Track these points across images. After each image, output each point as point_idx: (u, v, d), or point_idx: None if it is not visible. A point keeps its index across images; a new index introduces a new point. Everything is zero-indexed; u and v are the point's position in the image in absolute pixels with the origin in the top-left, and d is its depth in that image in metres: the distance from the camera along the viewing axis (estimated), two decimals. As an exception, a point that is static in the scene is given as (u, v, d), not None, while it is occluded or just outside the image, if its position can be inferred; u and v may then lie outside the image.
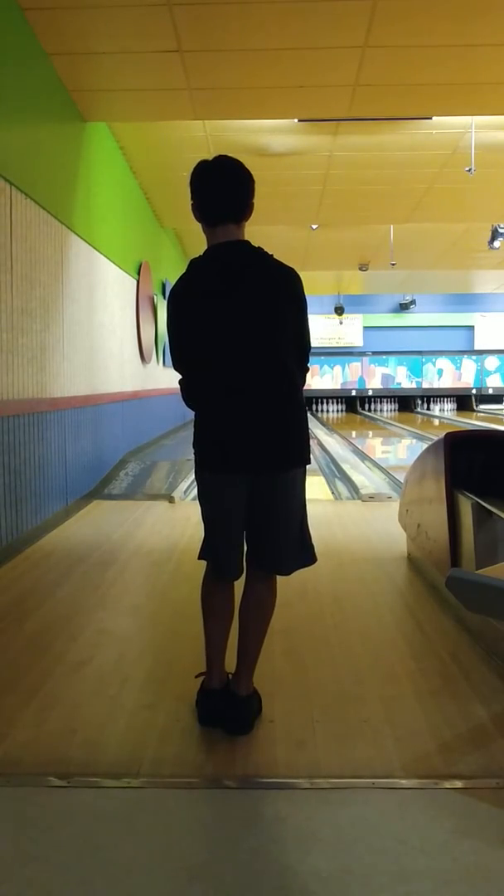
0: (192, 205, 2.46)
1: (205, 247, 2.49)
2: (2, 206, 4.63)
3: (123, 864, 1.86)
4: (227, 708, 2.49)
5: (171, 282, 12.70)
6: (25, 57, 5.16)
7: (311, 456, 2.60)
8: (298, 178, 9.25)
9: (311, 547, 2.58)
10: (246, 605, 2.55)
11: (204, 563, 2.61)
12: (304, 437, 2.48)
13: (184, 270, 2.49)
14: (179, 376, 2.55)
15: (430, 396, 23.99)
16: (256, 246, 2.44)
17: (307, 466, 2.53)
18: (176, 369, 2.55)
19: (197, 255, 2.51)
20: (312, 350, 2.59)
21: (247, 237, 2.47)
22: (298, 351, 2.48)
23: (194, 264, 2.47)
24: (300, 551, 2.55)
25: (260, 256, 2.42)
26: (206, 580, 2.60)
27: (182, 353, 2.50)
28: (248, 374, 2.37)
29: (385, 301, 23.18)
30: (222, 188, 2.43)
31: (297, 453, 2.45)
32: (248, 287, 2.38)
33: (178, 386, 2.56)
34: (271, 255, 2.44)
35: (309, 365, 2.58)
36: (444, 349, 23.74)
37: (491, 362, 23.78)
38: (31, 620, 3.65)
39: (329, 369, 23.47)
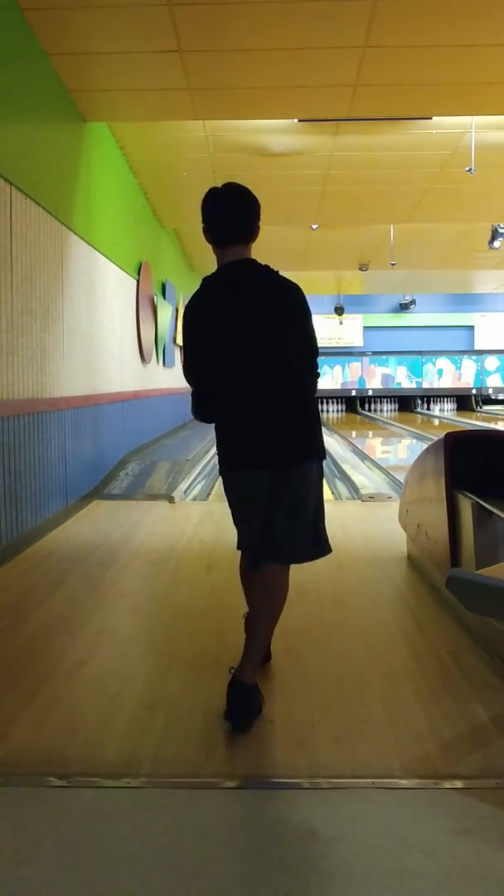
0: (204, 228, 2.67)
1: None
2: (2, 206, 4.63)
3: (123, 864, 1.86)
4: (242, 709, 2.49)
5: (171, 282, 12.76)
6: (25, 57, 5.16)
7: None
8: (298, 178, 9.25)
9: (326, 539, 2.70)
10: (261, 591, 2.65)
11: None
12: (317, 433, 2.66)
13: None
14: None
15: (430, 396, 23.99)
16: (263, 263, 2.64)
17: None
18: (187, 380, 2.69)
19: (208, 273, 2.65)
20: None
21: None
22: (307, 356, 2.66)
23: (207, 282, 2.66)
24: (314, 543, 2.66)
25: (266, 273, 2.63)
26: (242, 567, 2.83)
27: (197, 363, 2.65)
28: (262, 379, 2.56)
29: (385, 301, 23.18)
30: (232, 214, 2.65)
31: (309, 448, 2.62)
32: (258, 301, 2.59)
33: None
34: (277, 272, 2.64)
35: (319, 370, 2.75)
36: (444, 349, 23.74)
37: (491, 362, 23.78)
38: (31, 620, 3.65)
39: (329, 369, 23.45)
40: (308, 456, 2.61)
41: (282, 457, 2.57)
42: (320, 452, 2.66)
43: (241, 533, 2.72)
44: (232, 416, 2.61)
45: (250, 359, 2.56)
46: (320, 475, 2.67)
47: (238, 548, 2.79)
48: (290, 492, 2.58)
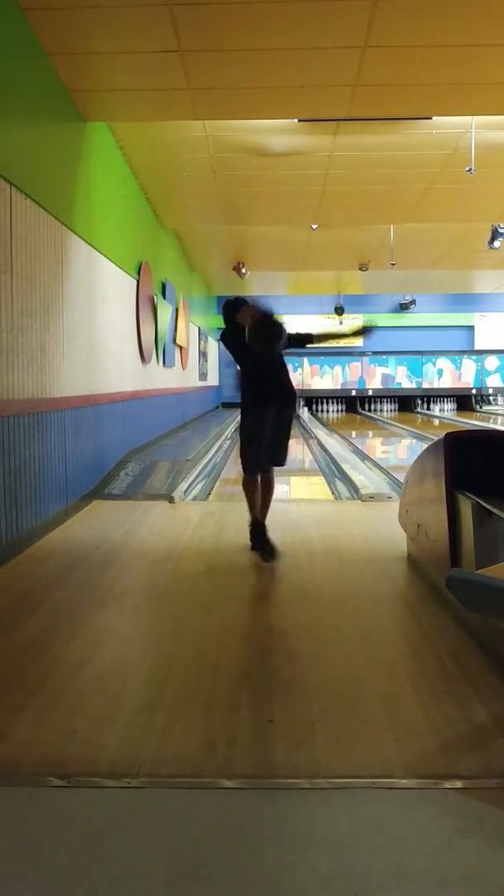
0: (224, 320, 5.01)
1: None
2: (2, 207, 4.63)
3: (123, 863, 1.86)
4: (261, 538, 4.74)
5: (171, 282, 12.84)
6: (25, 57, 5.16)
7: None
8: (298, 178, 9.25)
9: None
10: (265, 486, 4.89)
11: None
12: (294, 390, 5.03)
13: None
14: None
15: (430, 396, 24.00)
16: None
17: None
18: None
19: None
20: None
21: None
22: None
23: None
24: (286, 456, 5.00)
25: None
26: (245, 479, 4.90)
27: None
28: (271, 367, 4.87)
29: (385, 301, 23.17)
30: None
31: (295, 399, 5.02)
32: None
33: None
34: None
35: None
36: (444, 349, 23.74)
37: (491, 362, 23.78)
38: (31, 620, 3.65)
39: (329, 369, 23.47)
40: (296, 402, 5.05)
41: (282, 402, 4.82)
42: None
43: (249, 456, 4.81)
44: (257, 384, 4.82)
45: (265, 358, 4.85)
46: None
47: (244, 470, 4.89)
48: (286, 424, 4.85)
